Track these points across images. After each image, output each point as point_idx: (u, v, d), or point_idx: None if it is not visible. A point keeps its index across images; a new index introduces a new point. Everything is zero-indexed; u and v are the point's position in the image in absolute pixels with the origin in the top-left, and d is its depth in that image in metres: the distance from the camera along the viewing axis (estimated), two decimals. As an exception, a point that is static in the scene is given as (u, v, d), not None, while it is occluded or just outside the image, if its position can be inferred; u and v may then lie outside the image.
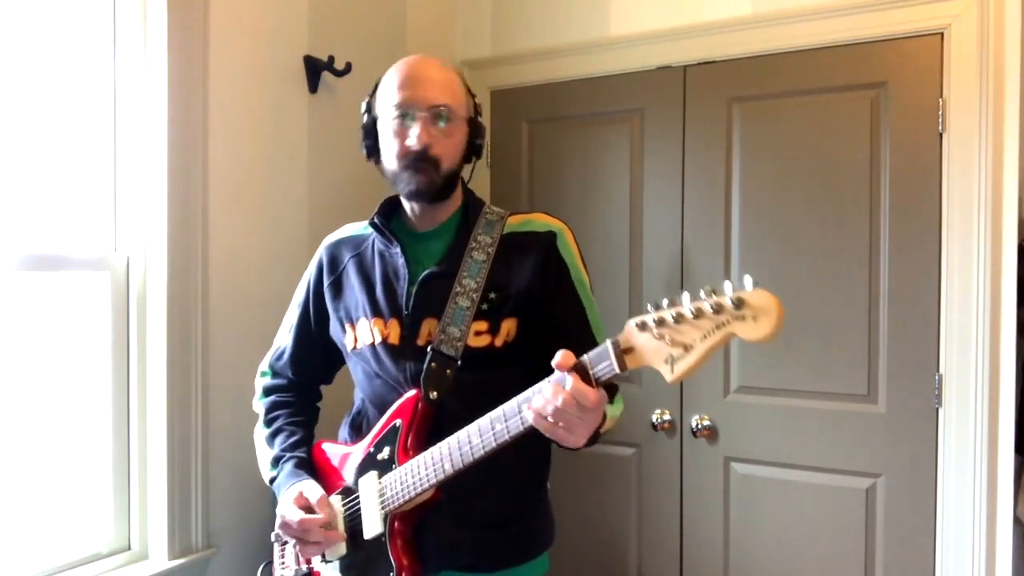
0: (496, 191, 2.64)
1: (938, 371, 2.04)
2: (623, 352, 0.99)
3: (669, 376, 0.94)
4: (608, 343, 1.01)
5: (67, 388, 1.73)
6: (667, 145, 2.37)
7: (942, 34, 2.02)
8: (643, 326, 0.96)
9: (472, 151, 1.37)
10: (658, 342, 0.94)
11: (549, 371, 1.07)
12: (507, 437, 1.12)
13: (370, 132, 1.36)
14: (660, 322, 0.93)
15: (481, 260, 1.31)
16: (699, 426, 2.31)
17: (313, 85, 2.16)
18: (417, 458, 1.23)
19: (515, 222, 1.37)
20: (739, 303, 0.86)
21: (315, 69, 2.15)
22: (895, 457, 2.09)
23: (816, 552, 2.19)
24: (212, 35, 1.87)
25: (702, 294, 0.90)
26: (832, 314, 2.16)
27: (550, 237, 1.34)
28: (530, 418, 1.07)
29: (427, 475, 1.20)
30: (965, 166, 1.98)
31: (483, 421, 1.14)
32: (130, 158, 1.81)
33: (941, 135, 2.03)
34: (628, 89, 2.43)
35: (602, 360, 1.02)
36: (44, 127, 1.68)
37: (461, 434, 1.17)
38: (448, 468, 1.18)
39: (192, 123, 1.82)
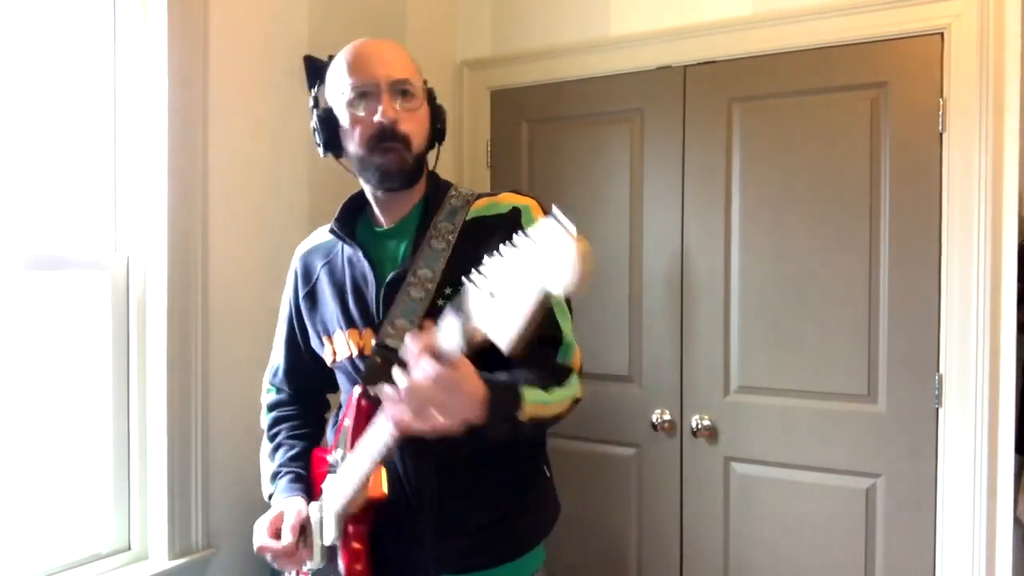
0: (496, 191, 2.64)
1: (938, 371, 2.04)
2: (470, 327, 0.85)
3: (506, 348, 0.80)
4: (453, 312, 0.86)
5: (67, 388, 1.73)
6: (667, 145, 2.37)
7: (942, 34, 2.02)
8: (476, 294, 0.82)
9: (435, 135, 1.29)
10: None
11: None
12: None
13: (326, 124, 1.27)
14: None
15: (440, 248, 1.22)
16: (699, 426, 2.31)
17: (313, 84, 2.15)
18: (349, 456, 1.17)
19: (480, 206, 1.27)
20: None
21: (315, 69, 2.14)
22: (895, 457, 2.09)
23: (816, 552, 2.19)
24: (212, 34, 1.87)
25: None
26: (832, 314, 2.16)
27: (515, 215, 1.23)
28: (392, 424, 0.98)
29: (354, 473, 1.15)
30: (965, 166, 1.98)
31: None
32: (130, 158, 1.81)
33: (941, 135, 2.03)
34: (628, 89, 2.43)
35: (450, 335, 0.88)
36: (44, 127, 1.68)
37: (372, 430, 1.09)
38: (368, 466, 1.11)
39: (192, 123, 1.82)
